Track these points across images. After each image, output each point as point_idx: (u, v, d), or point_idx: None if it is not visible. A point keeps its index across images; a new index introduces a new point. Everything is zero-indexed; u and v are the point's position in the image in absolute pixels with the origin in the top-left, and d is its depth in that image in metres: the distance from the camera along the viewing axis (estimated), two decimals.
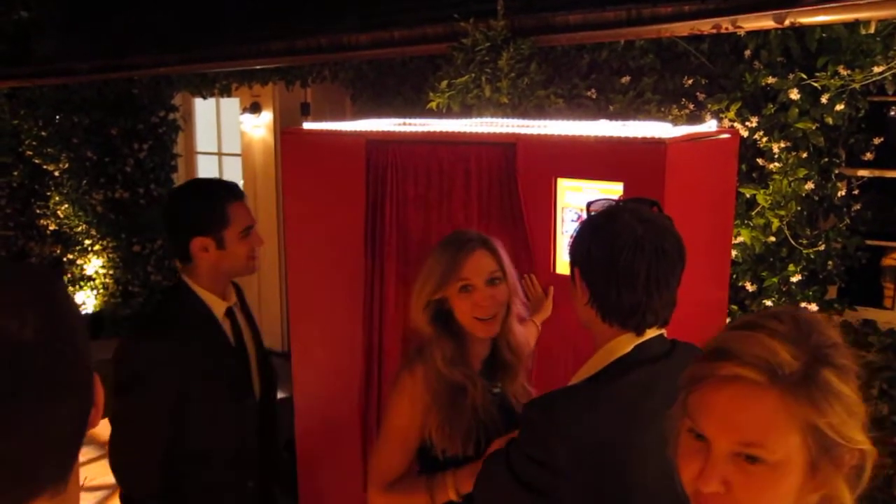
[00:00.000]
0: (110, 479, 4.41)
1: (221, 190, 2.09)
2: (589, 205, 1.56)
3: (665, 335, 1.51)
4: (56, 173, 7.41)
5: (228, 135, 7.13)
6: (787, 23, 3.10)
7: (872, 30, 3.11)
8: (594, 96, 3.85)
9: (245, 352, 2.22)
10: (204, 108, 7.37)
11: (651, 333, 1.47)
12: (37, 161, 7.50)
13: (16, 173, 7.77)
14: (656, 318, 1.45)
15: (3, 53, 7.29)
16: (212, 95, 6.75)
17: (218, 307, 2.11)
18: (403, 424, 1.82)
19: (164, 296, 2.16)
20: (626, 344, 1.45)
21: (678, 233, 1.46)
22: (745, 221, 3.42)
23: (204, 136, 7.51)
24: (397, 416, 1.84)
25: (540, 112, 3.76)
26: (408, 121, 3.55)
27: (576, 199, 2.46)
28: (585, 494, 1.38)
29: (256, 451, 2.24)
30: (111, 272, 7.35)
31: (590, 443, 1.38)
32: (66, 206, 7.41)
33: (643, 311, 1.43)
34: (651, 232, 1.42)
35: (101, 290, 7.40)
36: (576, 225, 1.57)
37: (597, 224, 1.48)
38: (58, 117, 7.19)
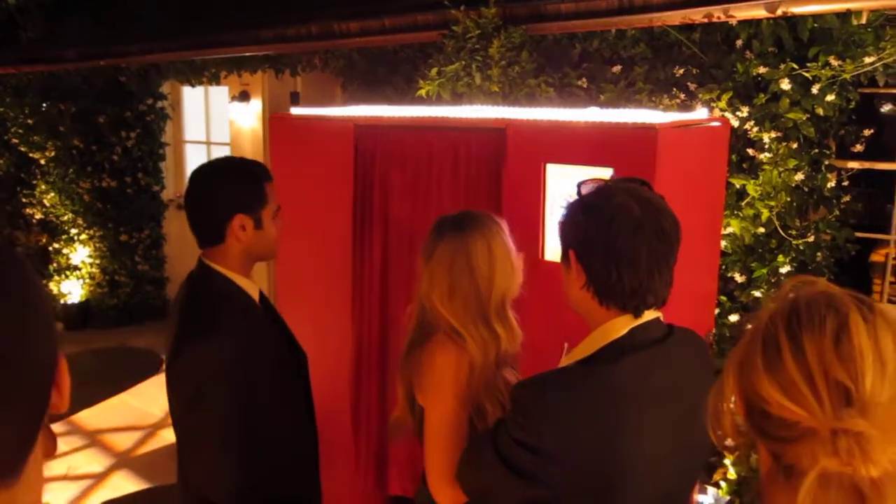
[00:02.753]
0: (96, 468, 4.43)
1: (259, 168, 2.02)
2: (579, 185, 1.53)
3: (662, 318, 1.48)
4: (42, 161, 7.34)
5: (217, 124, 7.08)
6: (778, 12, 3.08)
7: (864, 20, 3.10)
8: (585, 85, 3.83)
9: (283, 333, 2.17)
10: (192, 97, 7.32)
11: (648, 316, 1.44)
12: (23, 149, 7.42)
13: (1, 161, 7.69)
14: (656, 298, 1.42)
15: None
16: (200, 84, 6.69)
17: (253, 290, 2.02)
18: (454, 412, 1.72)
19: (196, 285, 1.98)
20: (621, 327, 1.42)
21: (671, 210, 1.44)
22: (735, 212, 3.41)
23: (192, 125, 7.45)
24: (446, 407, 1.72)
25: (531, 101, 3.74)
26: (397, 108, 3.52)
27: (565, 185, 2.45)
28: (576, 479, 1.35)
29: (315, 430, 2.21)
30: (98, 262, 7.29)
31: (581, 427, 1.35)
32: (53, 194, 7.34)
33: (644, 292, 1.40)
34: (650, 212, 1.39)
35: (88, 280, 7.34)
36: (565, 206, 1.53)
37: (592, 204, 1.43)
38: (44, 105, 7.11)
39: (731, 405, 1.04)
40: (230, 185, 1.96)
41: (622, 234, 1.37)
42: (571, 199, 1.51)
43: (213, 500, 1.85)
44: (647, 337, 1.43)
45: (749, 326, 1.06)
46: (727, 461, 3.47)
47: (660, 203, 1.43)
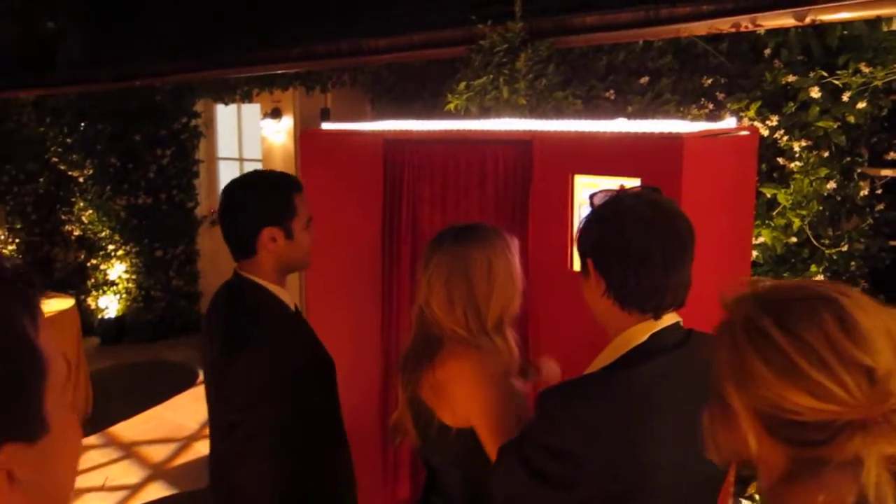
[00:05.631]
0: (132, 479, 4.50)
1: (287, 180, 2.06)
2: (592, 196, 1.55)
3: (681, 324, 1.50)
4: (80, 180, 7.51)
5: (249, 140, 7.20)
6: (807, 20, 3.07)
7: (895, 26, 3.08)
8: (612, 97, 3.84)
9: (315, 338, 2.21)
10: (225, 115, 7.45)
11: (668, 320, 1.46)
12: (62, 168, 7.61)
13: (42, 180, 7.89)
14: (674, 298, 1.44)
15: (29, 62, 7.42)
16: (233, 102, 6.81)
17: (288, 299, 2.07)
18: (503, 405, 1.70)
19: (235, 297, 2.03)
20: (641, 333, 1.44)
21: (685, 213, 1.46)
22: (766, 222, 3.38)
23: (225, 142, 7.58)
24: (493, 406, 1.70)
25: (558, 113, 3.76)
26: (426, 122, 3.56)
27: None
28: (602, 483, 1.36)
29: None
30: (134, 277, 7.43)
31: (605, 432, 1.37)
32: (91, 211, 7.50)
33: (662, 292, 1.42)
34: (659, 213, 1.43)
35: (124, 295, 7.48)
36: (581, 219, 1.57)
37: (603, 213, 1.47)
38: (82, 125, 7.29)
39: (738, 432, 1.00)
40: (259, 199, 1.99)
41: (635, 236, 1.40)
42: (586, 212, 1.54)
43: (266, 499, 1.90)
44: (667, 342, 1.45)
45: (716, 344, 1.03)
46: None
47: (670, 205, 1.47)
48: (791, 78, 3.25)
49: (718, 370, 1.02)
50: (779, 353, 0.94)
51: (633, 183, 2.28)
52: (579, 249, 1.53)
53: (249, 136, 7.19)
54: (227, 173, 7.54)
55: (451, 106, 3.97)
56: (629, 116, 3.61)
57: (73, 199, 7.73)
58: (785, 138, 3.31)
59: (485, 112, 3.88)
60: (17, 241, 7.97)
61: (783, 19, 3.15)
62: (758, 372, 0.95)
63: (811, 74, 3.20)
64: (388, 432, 2.02)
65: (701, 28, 3.40)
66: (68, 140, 7.42)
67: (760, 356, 0.95)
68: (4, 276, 0.69)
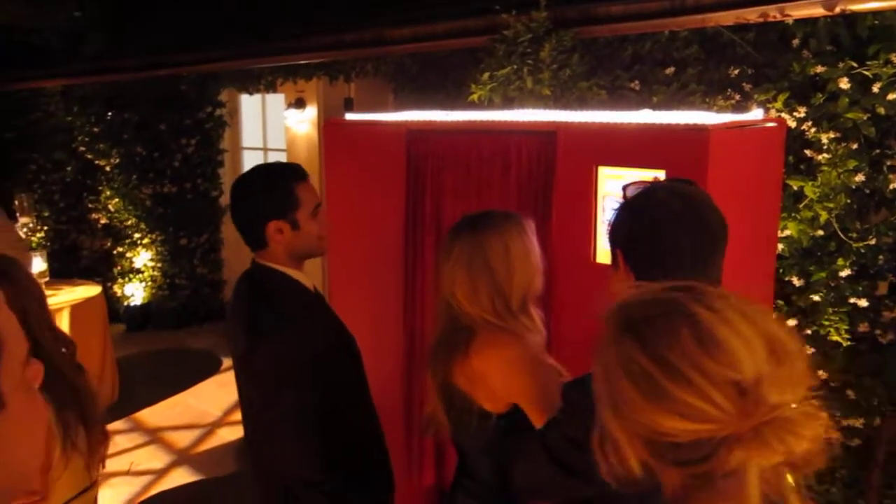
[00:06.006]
0: (156, 464, 4.56)
1: (287, 172, 2.10)
2: (625, 188, 1.55)
3: None
4: (107, 168, 7.59)
5: (273, 130, 7.24)
6: (836, 9, 3.02)
7: None
8: (637, 88, 3.81)
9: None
10: (250, 104, 7.49)
11: None
12: (89, 157, 7.69)
13: (69, 169, 7.98)
14: None
15: (56, 52, 7.49)
16: (257, 91, 6.85)
17: (307, 282, 2.14)
18: (550, 385, 1.72)
19: (257, 284, 2.09)
20: None
21: (718, 207, 1.44)
22: (793, 214, 3.34)
23: (249, 132, 7.63)
24: (542, 386, 1.73)
25: (582, 104, 3.74)
26: (449, 112, 3.55)
27: (617, 187, 2.44)
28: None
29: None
30: (159, 265, 7.51)
31: None
32: (117, 200, 7.58)
33: None
34: (691, 206, 1.41)
35: (150, 283, 7.56)
36: (614, 210, 1.56)
37: (635, 205, 1.47)
38: (109, 114, 7.36)
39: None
40: (260, 195, 2.05)
41: (665, 229, 1.39)
42: (618, 202, 1.54)
43: (299, 482, 1.94)
44: None
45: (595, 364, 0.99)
46: None
47: (703, 198, 1.45)
48: (819, 68, 3.20)
49: (596, 394, 0.98)
50: (644, 376, 0.89)
51: (659, 175, 2.27)
52: (610, 241, 1.52)
53: (273, 125, 7.23)
54: (252, 163, 7.55)
55: (475, 96, 3.96)
56: (654, 107, 3.58)
57: (100, 188, 7.81)
58: (813, 130, 3.27)
59: (508, 102, 3.86)
60: (44, 228, 8.08)
61: (812, 9, 3.10)
62: (629, 396, 0.91)
63: (840, 65, 3.15)
64: (421, 425, 2.04)
65: (728, 18, 3.35)
66: (95, 129, 7.49)
67: (629, 380, 0.91)
68: None
